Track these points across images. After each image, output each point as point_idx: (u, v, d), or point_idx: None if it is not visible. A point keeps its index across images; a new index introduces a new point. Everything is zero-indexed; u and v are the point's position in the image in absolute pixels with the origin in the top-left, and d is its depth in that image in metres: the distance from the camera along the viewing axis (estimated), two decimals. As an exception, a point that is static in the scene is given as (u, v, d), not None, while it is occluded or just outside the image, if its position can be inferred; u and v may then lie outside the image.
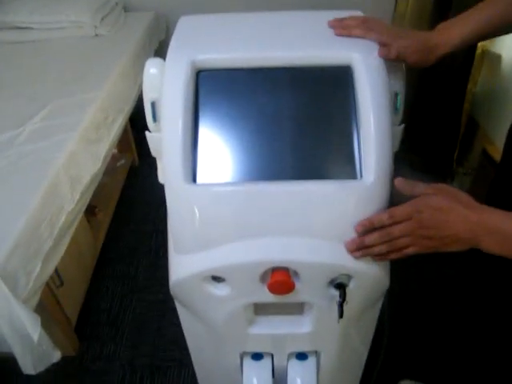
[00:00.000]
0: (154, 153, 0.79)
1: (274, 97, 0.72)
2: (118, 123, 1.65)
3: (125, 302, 1.63)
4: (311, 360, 0.89)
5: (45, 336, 1.06)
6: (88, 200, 1.42)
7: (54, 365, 1.13)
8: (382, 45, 0.71)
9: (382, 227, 0.65)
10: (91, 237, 1.63)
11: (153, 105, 0.73)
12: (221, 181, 0.68)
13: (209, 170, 0.69)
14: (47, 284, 1.21)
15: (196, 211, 0.67)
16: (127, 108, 1.75)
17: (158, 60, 0.74)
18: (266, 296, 0.72)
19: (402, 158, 0.79)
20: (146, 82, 0.73)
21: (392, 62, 0.71)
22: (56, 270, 1.23)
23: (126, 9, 2.21)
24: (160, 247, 1.83)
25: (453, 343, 1.42)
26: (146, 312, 1.60)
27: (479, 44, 1.89)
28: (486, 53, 1.91)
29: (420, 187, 0.65)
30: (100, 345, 1.50)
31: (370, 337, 0.93)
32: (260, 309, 0.80)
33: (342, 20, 0.75)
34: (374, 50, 0.70)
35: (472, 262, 1.65)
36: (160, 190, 0.73)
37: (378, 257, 0.68)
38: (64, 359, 1.18)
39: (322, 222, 0.67)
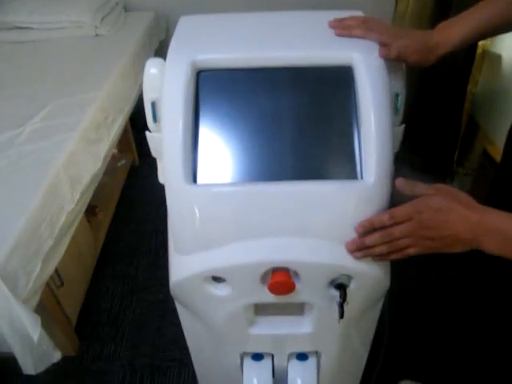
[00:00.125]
0: (154, 153, 0.79)
1: (275, 97, 0.72)
2: (118, 123, 1.65)
3: (125, 302, 1.63)
4: (311, 360, 0.89)
5: (45, 336, 1.06)
6: (88, 200, 1.42)
7: (54, 365, 1.13)
8: (383, 45, 0.70)
9: (382, 228, 0.65)
10: (91, 237, 1.63)
11: (153, 105, 0.73)
12: (221, 181, 0.68)
13: (209, 170, 0.69)
14: (47, 284, 1.21)
15: (196, 211, 0.67)
16: (127, 108, 1.75)
17: (158, 60, 0.74)
18: (267, 296, 0.72)
19: (402, 158, 0.79)
20: (147, 82, 0.73)
21: (392, 62, 0.71)
22: (56, 270, 1.23)
23: (126, 9, 2.20)
24: (160, 247, 1.83)
25: (453, 343, 1.42)
26: (146, 312, 1.60)
27: (480, 44, 1.89)
28: (486, 53, 1.91)
29: (420, 187, 0.65)
30: (100, 345, 1.50)
31: (371, 337, 0.93)
32: (260, 309, 0.80)
33: (342, 20, 0.75)
34: (375, 50, 0.70)
35: (472, 263, 1.65)
36: (160, 190, 0.73)
37: (378, 257, 0.68)
38: (64, 359, 1.18)
39: (323, 222, 0.67)
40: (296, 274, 0.70)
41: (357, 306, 0.75)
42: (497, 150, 1.86)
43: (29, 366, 1.07)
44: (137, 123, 2.11)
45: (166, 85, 0.69)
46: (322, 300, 0.74)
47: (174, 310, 0.86)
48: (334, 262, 0.68)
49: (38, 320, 1.03)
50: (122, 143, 2.04)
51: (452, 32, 0.72)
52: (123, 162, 2.14)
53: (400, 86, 0.74)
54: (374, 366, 0.99)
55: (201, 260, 0.69)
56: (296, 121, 0.71)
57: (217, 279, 0.72)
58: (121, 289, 1.68)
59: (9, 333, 1.00)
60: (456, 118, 2.06)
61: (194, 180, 0.68)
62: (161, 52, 2.17)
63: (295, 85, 0.72)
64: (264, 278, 0.70)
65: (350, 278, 0.71)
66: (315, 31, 0.76)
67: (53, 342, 1.11)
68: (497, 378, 1.31)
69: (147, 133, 0.77)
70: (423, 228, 0.63)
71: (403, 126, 0.75)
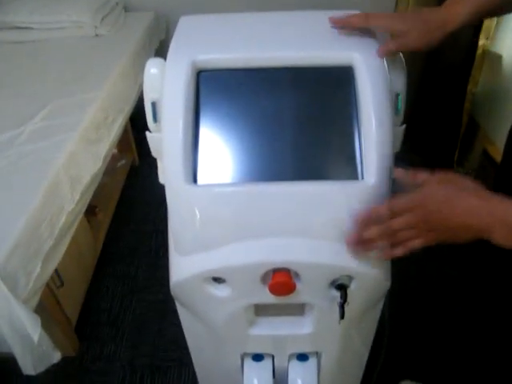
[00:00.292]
0: (154, 153, 0.79)
1: (275, 97, 0.72)
2: (118, 123, 1.64)
3: (125, 302, 1.63)
4: (312, 361, 0.89)
5: (45, 336, 1.06)
6: (88, 200, 1.42)
7: (54, 365, 1.13)
8: (381, 30, 0.69)
9: (381, 220, 0.62)
10: (91, 237, 1.63)
11: (153, 105, 0.73)
12: (222, 181, 0.68)
13: (209, 170, 0.68)
14: (47, 284, 1.21)
15: (196, 212, 0.67)
16: (127, 108, 1.74)
17: (158, 60, 0.74)
18: (267, 297, 0.71)
19: (402, 158, 0.79)
20: (147, 82, 0.73)
21: (394, 59, 0.71)
22: (56, 271, 1.23)
23: (126, 9, 2.20)
24: (160, 247, 1.83)
25: (453, 344, 1.42)
26: (147, 312, 1.60)
27: (480, 44, 1.89)
28: (486, 53, 1.91)
29: (422, 176, 0.61)
30: (100, 345, 1.49)
31: (371, 337, 0.93)
32: (261, 310, 0.80)
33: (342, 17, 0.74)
34: (375, 50, 0.70)
35: (473, 263, 1.65)
36: (160, 190, 0.72)
37: (382, 254, 0.65)
38: (64, 359, 1.18)
39: (323, 222, 0.67)
40: (296, 274, 0.70)
41: (357, 307, 0.75)
42: (497, 150, 1.86)
43: (29, 366, 1.06)
44: (137, 123, 2.11)
45: (166, 85, 0.69)
46: (323, 300, 0.74)
47: (175, 311, 0.86)
48: (335, 263, 0.68)
49: (37, 320, 1.03)
50: (122, 143, 2.04)
51: (460, 8, 0.68)
52: (123, 162, 2.14)
53: (400, 86, 0.73)
54: (374, 366, 0.99)
55: (201, 260, 0.69)
56: (296, 121, 0.71)
57: (217, 280, 0.72)
58: (121, 289, 1.68)
59: (9, 333, 0.99)
60: (456, 118, 2.06)
61: (195, 180, 0.67)
62: (161, 52, 2.17)
63: (295, 85, 0.72)
64: (264, 278, 0.70)
65: (350, 278, 0.71)
66: (315, 31, 0.76)
67: (53, 343, 1.11)
68: (497, 377, 1.31)
69: (147, 133, 0.77)
70: (429, 221, 0.59)
71: (404, 126, 0.75)
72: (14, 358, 1.05)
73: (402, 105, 0.74)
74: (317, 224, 0.67)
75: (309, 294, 0.73)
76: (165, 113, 0.69)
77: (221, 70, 0.72)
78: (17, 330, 1.00)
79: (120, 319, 1.57)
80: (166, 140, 0.68)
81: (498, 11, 0.74)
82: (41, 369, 1.10)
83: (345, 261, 0.68)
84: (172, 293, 0.78)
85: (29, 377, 1.09)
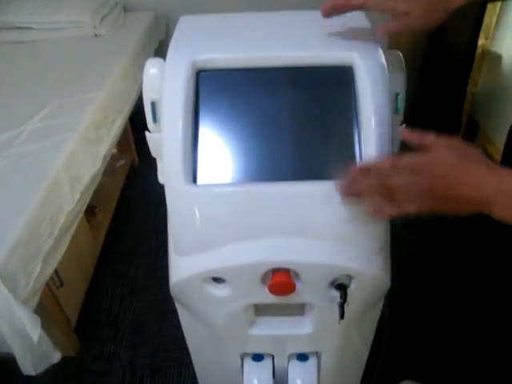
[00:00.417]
0: (153, 153, 0.79)
1: (275, 97, 0.72)
2: (118, 123, 1.64)
3: (125, 302, 1.63)
4: (312, 361, 0.89)
5: (45, 336, 1.06)
6: (88, 200, 1.42)
7: (53, 365, 1.13)
8: (382, 11, 0.65)
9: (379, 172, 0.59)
10: (91, 237, 1.63)
11: (153, 105, 0.73)
12: (221, 181, 0.68)
13: (209, 170, 0.68)
14: (47, 284, 1.21)
15: (196, 212, 0.67)
16: (127, 108, 1.74)
17: (158, 60, 0.74)
18: (267, 297, 0.71)
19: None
20: (146, 82, 0.73)
21: (393, 58, 0.70)
22: (56, 271, 1.23)
23: (125, 9, 2.20)
24: (160, 247, 1.83)
25: (453, 343, 1.42)
26: (146, 312, 1.60)
27: (479, 44, 1.89)
28: (486, 53, 1.91)
29: (430, 138, 0.58)
30: (100, 345, 1.49)
31: (371, 337, 0.93)
32: (260, 310, 0.80)
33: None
34: (375, 50, 0.70)
35: (472, 263, 1.65)
36: (160, 190, 0.72)
37: (372, 209, 0.61)
38: (64, 360, 1.18)
39: (323, 222, 0.67)
40: (296, 274, 0.70)
41: (357, 307, 0.75)
42: (496, 150, 1.87)
43: (28, 366, 1.06)
44: (136, 123, 2.11)
45: (165, 85, 0.69)
46: (323, 300, 0.74)
47: (174, 311, 0.86)
48: (335, 263, 0.68)
49: (37, 320, 1.03)
50: (121, 143, 2.04)
51: None
52: (123, 162, 2.14)
53: (400, 86, 0.73)
54: (374, 366, 0.99)
55: (201, 261, 0.69)
56: (296, 121, 0.71)
57: (217, 280, 0.72)
58: (121, 289, 1.68)
59: (9, 333, 0.99)
60: (456, 118, 2.06)
61: (194, 180, 0.67)
62: (160, 52, 2.17)
63: (295, 85, 0.72)
64: (264, 278, 0.70)
65: (350, 278, 0.71)
66: (315, 31, 0.76)
67: (52, 343, 1.11)
68: (497, 377, 1.31)
69: (147, 133, 0.77)
70: (432, 185, 0.55)
71: (404, 126, 0.75)
72: (13, 358, 1.05)
73: (401, 104, 0.74)
74: (316, 224, 0.67)
75: (308, 293, 0.73)
76: (164, 113, 0.69)
77: (220, 70, 0.72)
78: (17, 330, 1.00)
79: (120, 319, 1.57)
80: (165, 140, 0.68)
81: None
82: (41, 369, 1.10)
83: (344, 260, 0.68)
84: (172, 293, 0.78)
85: (29, 377, 1.09)
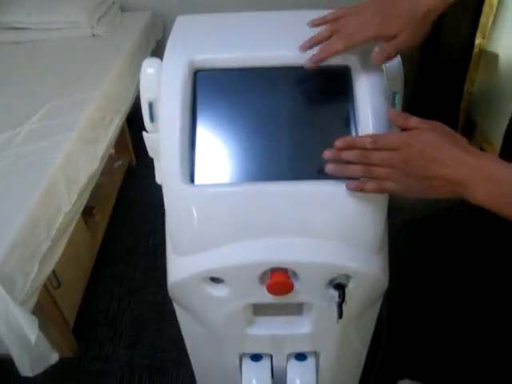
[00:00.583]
0: (151, 153, 0.79)
1: (272, 97, 0.72)
2: (116, 123, 1.64)
3: (123, 303, 1.63)
4: (310, 360, 0.89)
5: (42, 337, 1.06)
6: (85, 201, 1.42)
7: (51, 366, 1.12)
8: (371, 41, 0.66)
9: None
10: (89, 237, 1.63)
11: (150, 105, 0.73)
12: (219, 181, 0.68)
13: (207, 170, 0.68)
14: (45, 285, 1.20)
15: (194, 212, 0.67)
16: (124, 108, 1.74)
17: (155, 60, 0.74)
18: (265, 297, 0.71)
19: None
20: (143, 82, 0.73)
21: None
22: (53, 271, 1.23)
23: (122, 8, 2.20)
24: (158, 247, 1.82)
25: (451, 342, 1.42)
26: (145, 312, 1.59)
27: (476, 43, 1.90)
28: (483, 52, 1.92)
29: (414, 120, 0.59)
30: (98, 346, 1.49)
31: (369, 336, 0.93)
32: (259, 309, 0.80)
33: (310, 41, 0.68)
34: (372, 50, 0.70)
35: (470, 262, 1.65)
36: (157, 190, 0.72)
37: (353, 183, 0.63)
38: (62, 360, 1.18)
39: (321, 222, 0.67)
40: (294, 274, 0.70)
41: (355, 306, 0.75)
42: (494, 149, 1.87)
43: (26, 367, 1.06)
44: (134, 123, 2.10)
45: (162, 85, 0.69)
46: (321, 300, 0.74)
47: (172, 311, 0.86)
48: (333, 262, 0.68)
49: (35, 321, 1.02)
50: (119, 144, 2.04)
51: None
52: (120, 162, 2.14)
53: (397, 85, 0.73)
54: (372, 365, 0.99)
55: (199, 261, 0.69)
56: (294, 120, 0.71)
57: (215, 280, 0.72)
58: (118, 289, 1.68)
59: (6, 334, 0.99)
60: (453, 117, 2.06)
61: (192, 180, 0.67)
62: (158, 52, 2.17)
63: (292, 84, 0.72)
64: (262, 278, 0.70)
65: (348, 277, 0.71)
66: (312, 31, 0.76)
67: (50, 344, 1.10)
68: (496, 376, 1.31)
69: (144, 133, 0.77)
70: (408, 162, 0.57)
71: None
72: (11, 360, 1.05)
73: (398, 104, 0.74)
74: (315, 223, 0.67)
75: (307, 293, 0.73)
76: (162, 113, 0.69)
77: (218, 70, 0.72)
78: (14, 332, 1.00)
79: (118, 320, 1.57)
80: (162, 140, 0.68)
81: None
82: (38, 370, 1.09)
83: (343, 260, 0.68)
84: (170, 293, 0.78)
85: (26, 378, 1.09)
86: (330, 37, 0.67)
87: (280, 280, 0.68)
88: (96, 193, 1.58)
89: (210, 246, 0.68)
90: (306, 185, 0.67)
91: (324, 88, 0.72)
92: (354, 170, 0.62)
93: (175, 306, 0.84)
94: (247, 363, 0.89)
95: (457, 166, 0.54)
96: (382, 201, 0.67)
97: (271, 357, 0.89)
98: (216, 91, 0.72)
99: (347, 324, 0.79)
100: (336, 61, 0.70)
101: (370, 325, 0.89)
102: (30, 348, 1.03)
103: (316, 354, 0.89)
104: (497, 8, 1.82)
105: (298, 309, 0.80)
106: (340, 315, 0.71)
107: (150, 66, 0.73)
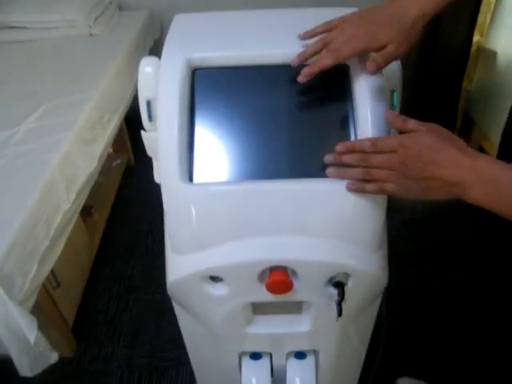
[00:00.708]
0: (149, 152, 0.79)
1: (271, 95, 0.72)
2: (114, 123, 1.64)
3: (122, 302, 1.63)
4: (310, 359, 0.89)
5: (41, 337, 1.06)
6: (84, 200, 1.41)
7: (51, 366, 1.12)
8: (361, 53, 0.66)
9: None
10: (87, 237, 1.63)
11: (148, 104, 0.73)
12: (218, 180, 0.68)
13: (205, 169, 0.68)
14: (43, 285, 1.20)
15: (193, 211, 0.67)
16: (122, 107, 1.74)
17: (152, 58, 0.74)
18: (265, 295, 0.71)
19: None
20: (141, 81, 0.73)
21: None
22: (52, 271, 1.23)
23: (120, 8, 2.19)
24: (156, 246, 1.82)
25: (451, 340, 1.43)
26: (144, 312, 1.59)
27: (474, 41, 1.90)
28: (481, 50, 1.92)
29: (412, 123, 0.60)
30: (98, 345, 1.49)
31: (369, 335, 0.93)
32: (258, 308, 0.80)
33: (299, 56, 0.68)
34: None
35: (470, 260, 1.65)
36: (156, 189, 0.72)
37: (354, 185, 0.64)
38: (61, 360, 1.17)
39: (320, 220, 0.67)
40: (294, 272, 0.69)
41: (355, 304, 0.75)
42: (492, 146, 1.87)
43: (25, 367, 1.06)
44: (132, 123, 2.10)
45: (161, 83, 0.69)
46: (320, 298, 0.74)
47: (172, 310, 0.86)
48: (332, 260, 0.68)
49: (34, 321, 1.02)
50: (117, 143, 2.04)
51: (424, 2, 0.64)
52: (118, 161, 2.14)
53: (396, 83, 0.73)
54: (372, 363, 0.99)
55: (198, 259, 0.69)
56: (292, 119, 0.71)
57: (214, 278, 0.72)
58: (117, 289, 1.67)
59: (5, 334, 0.99)
60: (451, 115, 2.06)
61: (190, 179, 0.67)
62: (155, 51, 2.16)
63: (291, 83, 0.72)
64: (262, 276, 0.70)
65: (347, 275, 0.71)
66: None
67: (49, 344, 1.10)
68: (496, 375, 1.32)
69: (142, 132, 0.77)
70: (406, 165, 0.58)
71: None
72: (10, 360, 1.04)
73: (397, 101, 0.74)
74: (313, 222, 0.67)
75: (306, 291, 0.73)
76: (160, 111, 0.69)
77: (216, 68, 0.72)
78: (13, 332, 0.99)
79: (117, 319, 1.57)
80: (161, 139, 0.68)
81: None
82: (38, 370, 1.09)
83: (342, 258, 0.68)
84: (169, 292, 0.77)
85: (26, 378, 1.08)
86: (321, 50, 0.68)
87: (279, 278, 0.68)
88: (94, 192, 1.58)
89: (209, 244, 0.68)
90: (304, 183, 0.66)
91: (323, 86, 0.72)
92: (355, 172, 0.63)
93: (174, 304, 0.84)
94: (247, 362, 0.89)
95: (454, 167, 0.55)
96: (381, 199, 0.67)
97: (271, 355, 0.89)
98: (214, 90, 0.72)
99: (346, 322, 0.79)
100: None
101: (369, 323, 0.89)
102: (29, 348, 1.03)
103: (315, 352, 0.89)
104: (494, 6, 1.82)
105: (297, 307, 0.80)
106: (339, 313, 0.71)
107: (147, 65, 0.73)
